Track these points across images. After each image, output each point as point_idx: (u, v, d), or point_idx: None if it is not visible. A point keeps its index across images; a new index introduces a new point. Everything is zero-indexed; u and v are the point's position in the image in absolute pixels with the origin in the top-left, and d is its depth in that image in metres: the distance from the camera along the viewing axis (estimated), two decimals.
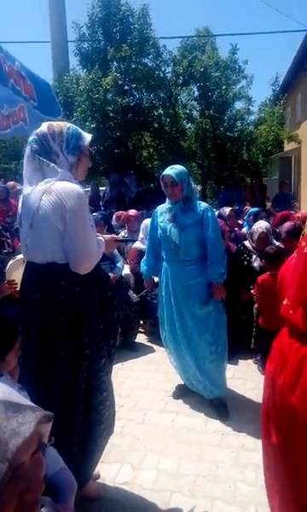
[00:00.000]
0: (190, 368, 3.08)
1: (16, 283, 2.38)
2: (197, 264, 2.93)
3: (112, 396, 2.09)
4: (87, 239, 1.86)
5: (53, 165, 1.83)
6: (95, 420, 2.01)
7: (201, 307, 2.93)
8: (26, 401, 0.67)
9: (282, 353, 1.65)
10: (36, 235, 1.84)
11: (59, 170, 1.84)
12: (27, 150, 1.86)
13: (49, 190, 1.80)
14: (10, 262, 2.66)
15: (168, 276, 3.01)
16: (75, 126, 1.94)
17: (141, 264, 3.31)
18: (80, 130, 1.96)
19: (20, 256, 2.51)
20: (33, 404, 0.68)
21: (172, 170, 2.89)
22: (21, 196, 1.95)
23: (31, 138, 1.87)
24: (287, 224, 4.05)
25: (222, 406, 3.05)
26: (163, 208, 3.07)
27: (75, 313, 1.87)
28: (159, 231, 3.03)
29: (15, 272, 2.50)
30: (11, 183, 8.12)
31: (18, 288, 2.16)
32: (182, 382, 3.31)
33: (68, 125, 1.93)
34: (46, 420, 0.66)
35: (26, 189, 1.88)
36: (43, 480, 0.67)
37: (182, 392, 3.27)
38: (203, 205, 2.95)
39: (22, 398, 0.68)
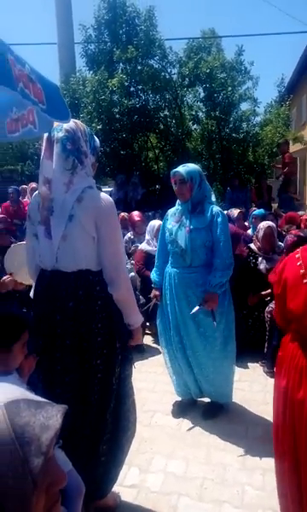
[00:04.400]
0: (195, 376, 2.97)
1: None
2: (202, 272, 2.77)
3: (135, 400, 2.06)
4: (119, 247, 1.86)
5: (85, 171, 1.80)
6: (124, 426, 1.98)
7: (207, 317, 2.78)
8: (39, 397, 0.69)
9: (298, 367, 1.60)
10: (69, 245, 1.77)
11: (88, 177, 1.82)
12: (58, 147, 1.76)
13: (80, 198, 1.75)
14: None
15: (172, 282, 2.87)
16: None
17: (152, 271, 3.12)
18: None
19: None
20: (47, 400, 0.69)
21: (184, 167, 2.79)
22: (36, 195, 1.87)
23: (61, 134, 1.77)
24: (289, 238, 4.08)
25: (213, 407, 3.02)
26: (173, 210, 2.97)
27: (110, 319, 1.83)
28: (167, 234, 2.91)
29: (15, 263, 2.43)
30: (31, 184, 8.11)
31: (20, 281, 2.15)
32: (180, 399, 3.16)
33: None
34: (64, 413, 0.68)
35: (46, 189, 1.77)
36: (64, 472, 0.68)
37: (182, 409, 3.09)
38: (215, 209, 2.81)
39: (36, 396, 0.70)
